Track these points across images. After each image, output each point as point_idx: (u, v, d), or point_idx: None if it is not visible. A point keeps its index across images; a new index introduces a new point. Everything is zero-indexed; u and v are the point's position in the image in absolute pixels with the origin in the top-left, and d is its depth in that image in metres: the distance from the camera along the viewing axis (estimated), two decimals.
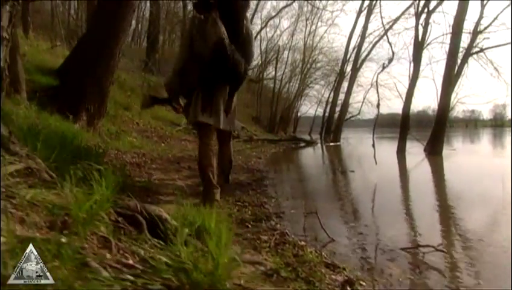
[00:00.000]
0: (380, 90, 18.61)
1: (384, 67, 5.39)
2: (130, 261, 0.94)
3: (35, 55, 8.58)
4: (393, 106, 16.35)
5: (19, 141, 1.97)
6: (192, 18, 2.99)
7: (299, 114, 37.58)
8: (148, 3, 17.12)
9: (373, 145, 5.10)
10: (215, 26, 2.63)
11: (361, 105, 18.74)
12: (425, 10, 8.96)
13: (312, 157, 9.35)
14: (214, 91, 2.78)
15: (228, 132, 3.10)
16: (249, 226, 2.42)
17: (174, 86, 2.95)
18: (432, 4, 9.26)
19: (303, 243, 2.12)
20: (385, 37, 14.50)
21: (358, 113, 19.73)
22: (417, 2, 9.15)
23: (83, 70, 6.44)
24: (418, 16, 9.02)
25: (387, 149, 9.57)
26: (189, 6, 21.12)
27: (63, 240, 0.78)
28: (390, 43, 5.48)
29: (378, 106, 5.16)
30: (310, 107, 37.21)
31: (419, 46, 8.93)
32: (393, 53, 5.50)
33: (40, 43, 10.42)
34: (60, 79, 7.48)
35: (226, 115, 2.91)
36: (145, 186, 2.95)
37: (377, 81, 5.54)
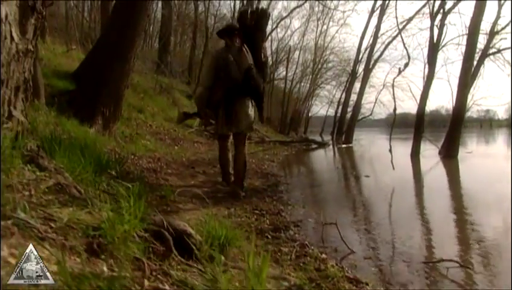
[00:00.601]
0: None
1: (400, 72, 5.30)
2: (167, 287, 0.96)
3: (51, 59, 8.74)
4: (405, 105, 16.15)
5: (46, 154, 2.02)
6: (220, 49, 3.70)
7: (310, 114, 37.46)
8: (160, 4, 17.25)
9: (390, 151, 5.05)
10: (246, 56, 3.41)
11: (374, 106, 18.64)
12: (441, 11, 8.82)
13: (324, 160, 9.29)
14: (235, 103, 3.46)
15: (243, 137, 3.62)
16: (269, 236, 2.43)
17: (203, 100, 3.56)
18: (449, 4, 9.09)
19: (324, 255, 2.12)
20: (398, 38, 14.34)
21: (371, 114, 19.61)
22: (432, 2, 9.04)
23: (98, 74, 6.53)
24: (433, 17, 8.88)
25: (401, 151, 9.41)
26: (201, 7, 21.30)
27: (110, 273, 0.80)
28: (406, 48, 5.39)
29: (394, 110, 5.08)
30: (320, 108, 37.04)
31: (434, 48, 8.79)
32: (409, 57, 5.41)
33: (56, 47, 10.60)
34: (76, 83, 7.61)
35: (262, 121, 4.05)
36: (163, 194, 2.97)
37: (393, 86, 5.45)
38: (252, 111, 3.53)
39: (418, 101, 9.24)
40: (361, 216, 3.38)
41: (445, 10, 8.75)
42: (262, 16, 3.62)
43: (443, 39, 8.95)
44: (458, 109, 8.61)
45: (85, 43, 13.72)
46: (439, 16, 8.87)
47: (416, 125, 9.22)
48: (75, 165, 2.28)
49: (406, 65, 5.25)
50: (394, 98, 5.11)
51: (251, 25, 3.49)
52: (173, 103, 14.84)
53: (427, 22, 10.17)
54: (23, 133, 1.87)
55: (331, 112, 33.68)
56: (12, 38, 1.72)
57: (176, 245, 1.62)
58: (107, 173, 2.73)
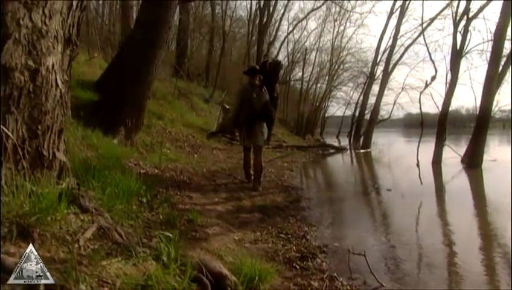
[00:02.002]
0: (411, 93, 18.07)
1: (426, 86, 5.20)
2: None
3: (75, 68, 8.91)
4: (422, 106, 15.89)
5: (84, 187, 2.09)
6: (244, 87, 5.11)
7: (326, 114, 37.25)
8: (177, 9, 17.38)
9: (417, 165, 5.00)
10: (265, 93, 4.79)
11: (392, 109, 18.34)
12: (464, 17, 8.57)
13: (343, 169, 9.18)
14: (254, 125, 4.79)
15: (259, 149, 4.87)
16: (297, 267, 2.44)
17: (231, 121, 5.20)
18: (474, 5, 8.81)
19: None
20: (418, 41, 14.04)
21: (389, 117, 19.33)
22: (455, 9, 8.79)
23: (121, 86, 6.67)
24: (456, 23, 8.64)
25: (422, 158, 9.14)
26: (217, 9, 21.46)
27: None
28: (433, 61, 5.27)
29: (421, 123, 4.96)
30: (337, 109, 36.71)
31: (457, 55, 8.56)
32: (436, 71, 5.29)
33: (78, 56, 10.83)
34: (99, 93, 7.80)
35: (268, 142, 5.19)
36: (191, 218, 3.02)
37: (420, 102, 5.31)
38: (265, 130, 4.86)
39: (440, 108, 9.03)
40: (386, 239, 3.35)
41: (469, 16, 8.50)
42: (277, 65, 5.12)
43: (467, 46, 8.71)
44: (482, 116, 8.36)
45: (105, 47, 14.02)
46: (463, 22, 8.64)
47: (438, 133, 9.01)
48: (110, 197, 2.36)
49: (433, 78, 5.16)
50: (421, 114, 4.98)
51: (269, 72, 4.91)
52: (191, 107, 15.02)
53: (449, 23, 9.90)
54: (66, 173, 1.95)
55: (348, 113, 33.38)
56: (57, 85, 1.80)
57: (212, 288, 1.66)
58: (137, 200, 2.81)
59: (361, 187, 6.06)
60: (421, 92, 5.56)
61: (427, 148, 9.40)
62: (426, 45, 6.02)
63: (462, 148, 10.44)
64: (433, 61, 5.42)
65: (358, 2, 27.66)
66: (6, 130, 1.47)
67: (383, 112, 21.02)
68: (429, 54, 6.15)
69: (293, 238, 3.06)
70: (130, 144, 6.86)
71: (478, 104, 8.49)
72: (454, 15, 8.78)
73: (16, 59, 1.52)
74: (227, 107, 12.32)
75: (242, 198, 4.37)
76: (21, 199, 1.35)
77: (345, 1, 21.67)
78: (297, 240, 3.03)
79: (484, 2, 8.68)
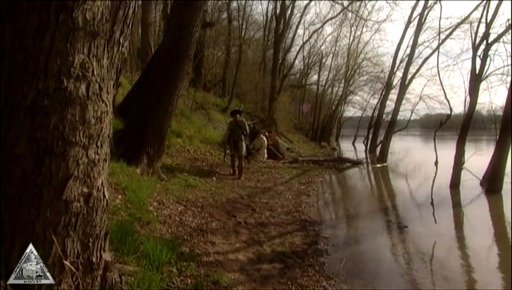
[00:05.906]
0: (430, 103, 17.82)
1: (441, 124, 5.25)
2: None
3: None
4: (438, 107, 15.93)
5: (126, 281, 2.30)
6: (231, 120, 9.08)
7: (341, 119, 37.13)
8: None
9: (432, 203, 5.07)
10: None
11: (409, 118, 18.17)
12: (484, 42, 8.45)
13: (359, 194, 9.14)
14: (238, 144, 8.55)
15: (241, 156, 8.59)
16: None
17: (225, 142, 8.97)
18: (495, 28, 8.64)
19: None
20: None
21: (406, 126, 19.16)
22: (474, 33, 8.65)
23: (143, 117, 6.94)
24: (475, 47, 8.52)
25: (440, 180, 8.99)
26: (233, 14, 21.67)
27: None
28: (448, 100, 5.25)
29: (436, 163, 5.01)
30: (354, 113, 36.53)
31: (476, 80, 8.46)
32: (451, 110, 5.32)
33: None
34: (122, 118, 8.09)
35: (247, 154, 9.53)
36: (216, 279, 3.20)
37: (434, 140, 5.32)
38: (244, 147, 8.64)
39: (459, 133, 8.95)
40: None
41: (489, 41, 8.38)
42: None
43: (486, 70, 8.59)
44: (503, 140, 8.25)
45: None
46: (482, 46, 8.51)
47: (456, 157, 8.92)
48: (145, 269, 2.57)
49: (448, 117, 5.20)
50: (436, 158, 5.02)
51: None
52: (208, 120, 15.28)
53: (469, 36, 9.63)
54: (110, 268, 2.15)
55: (364, 117, 33.19)
56: (104, 196, 2.00)
57: None
58: (168, 267, 3.02)
59: (379, 222, 6.08)
60: (435, 131, 5.57)
61: (447, 157, 9.09)
62: (445, 95, 5.91)
63: (483, 157, 10.18)
64: (448, 100, 5.42)
65: (375, 9, 27.39)
66: (67, 263, 1.67)
67: (400, 117, 20.80)
68: (444, 93, 6.10)
69: None
70: (152, 171, 7.14)
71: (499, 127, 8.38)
72: (473, 39, 8.68)
73: (74, 192, 1.72)
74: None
75: (262, 241, 4.53)
76: None
77: (362, 1, 21.45)
78: None
79: (504, 28, 8.53)
